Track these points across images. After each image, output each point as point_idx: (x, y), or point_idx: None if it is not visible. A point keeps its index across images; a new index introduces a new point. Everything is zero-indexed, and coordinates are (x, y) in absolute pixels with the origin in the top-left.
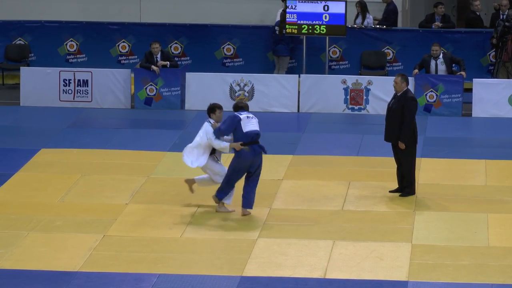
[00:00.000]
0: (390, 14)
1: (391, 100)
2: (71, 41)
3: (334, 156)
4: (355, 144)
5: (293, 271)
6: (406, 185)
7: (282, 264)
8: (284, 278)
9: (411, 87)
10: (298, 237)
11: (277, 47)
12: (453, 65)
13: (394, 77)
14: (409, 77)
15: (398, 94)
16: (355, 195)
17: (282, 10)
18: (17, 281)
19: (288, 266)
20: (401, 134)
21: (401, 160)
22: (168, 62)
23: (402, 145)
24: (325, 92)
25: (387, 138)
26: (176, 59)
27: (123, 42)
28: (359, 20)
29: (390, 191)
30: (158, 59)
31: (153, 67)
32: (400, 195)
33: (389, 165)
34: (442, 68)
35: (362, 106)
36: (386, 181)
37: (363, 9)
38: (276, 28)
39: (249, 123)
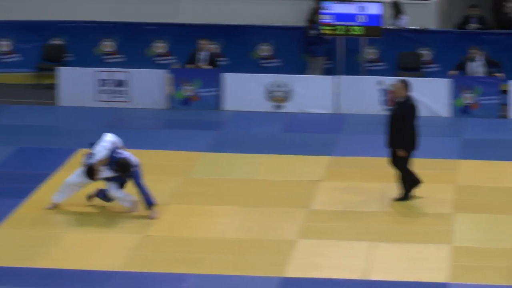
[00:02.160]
0: None
1: (393, 106)
2: (108, 41)
3: (371, 157)
4: None
5: (332, 272)
6: (405, 189)
7: (321, 265)
8: (323, 279)
9: (447, 89)
10: (337, 238)
11: (310, 48)
12: (491, 66)
13: (430, 78)
14: (447, 79)
15: (400, 100)
16: (392, 197)
17: (311, 10)
18: (57, 280)
19: (327, 267)
20: (400, 141)
21: (397, 165)
22: (211, 67)
23: (401, 153)
24: (361, 93)
25: (388, 144)
26: None
27: (160, 42)
28: (394, 21)
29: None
30: (204, 58)
31: (187, 65)
32: (397, 199)
33: (429, 166)
34: (479, 70)
35: None
36: (426, 183)
37: (396, 10)
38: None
39: None
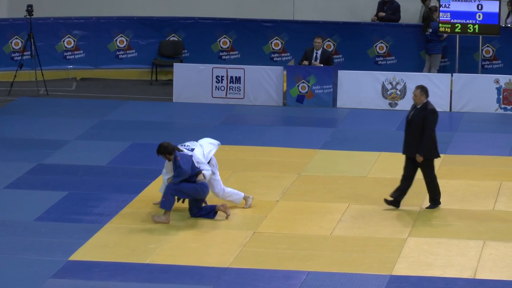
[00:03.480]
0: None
1: (409, 112)
2: (224, 38)
3: (486, 156)
4: (507, 144)
5: (443, 271)
6: (435, 197)
7: (432, 263)
8: (433, 277)
9: None
10: (448, 236)
11: (428, 45)
12: None
13: None
14: None
15: (418, 107)
16: (507, 196)
17: (427, 8)
18: (167, 276)
19: (437, 265)
20: (420, 147)
21: (423, 173)
22: (322, 66)
23: (420, 158)
24: (477, 91)
25: (406, 151)
26: None
27: (276, 39)
28: (510, 20)
29: (386, 201)
30: (318, 56)
31: (304, 62)
32: (428, 207)
33: None
34: None
35: None
36: None
37: None
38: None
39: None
